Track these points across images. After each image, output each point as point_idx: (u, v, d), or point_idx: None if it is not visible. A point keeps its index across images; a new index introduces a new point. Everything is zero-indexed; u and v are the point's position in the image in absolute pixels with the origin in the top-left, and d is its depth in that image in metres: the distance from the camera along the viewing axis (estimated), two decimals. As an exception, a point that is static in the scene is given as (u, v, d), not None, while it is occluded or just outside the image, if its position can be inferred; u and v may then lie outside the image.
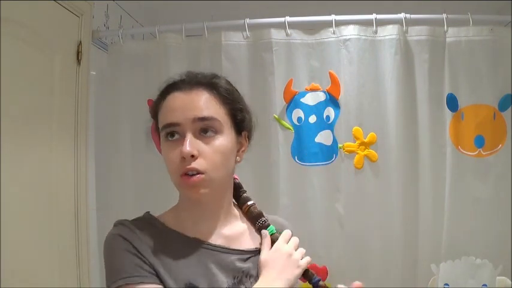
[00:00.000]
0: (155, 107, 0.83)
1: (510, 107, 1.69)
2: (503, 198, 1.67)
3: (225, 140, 0.78)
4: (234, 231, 0.85)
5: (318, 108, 1.73)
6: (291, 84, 1.73)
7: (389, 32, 1.70)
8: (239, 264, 0.79)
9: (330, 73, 1.71)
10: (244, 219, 0.88)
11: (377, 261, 1.69)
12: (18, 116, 1.41)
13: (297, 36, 1.75)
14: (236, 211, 0.89)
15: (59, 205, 1.58)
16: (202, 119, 0.76)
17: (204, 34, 1.77)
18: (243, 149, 0.85)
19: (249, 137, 0.87)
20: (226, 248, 0.80)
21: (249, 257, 0.82)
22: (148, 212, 0.86)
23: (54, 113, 1.59)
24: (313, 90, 1.74)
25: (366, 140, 1.69)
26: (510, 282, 1.64)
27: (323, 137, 1.73)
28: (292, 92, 1.73)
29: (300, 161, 1.73)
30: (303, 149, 1.73)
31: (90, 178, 1.77)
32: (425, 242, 1.69)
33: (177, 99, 0.79)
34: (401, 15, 1.70)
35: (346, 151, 1.70)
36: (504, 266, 1.65)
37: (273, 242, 0.82)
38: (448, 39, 1.70)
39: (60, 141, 1.61)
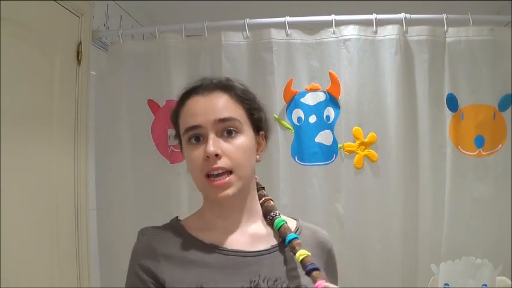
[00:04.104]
0: (175, 114, 0.85)
1: (510, 107, 1.69)
2: (503, 198, 1.67)
3: (245, 138, 0.81)
4: (258, 230, 0.85)
5: (318, 108, 1.73)
6: (291, 84, 1.73)
7: (389, 32, 1.70)
8: (256, 267, 0.79)
9: (330, 73, 1.71)
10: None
11: (377, 261, 1.69)
12: (18, 116, 1.41)
13: (297, 36, 1.75)
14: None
15: (58, 205, 1.58)
16: (223, 120, 0.79)
17: (204, 34, 1.77)
18: (261, 148, 0.87)
19: (266, 137, 0.88)
20: (242, 252, 0.80)
21: (267, 255, 0.82)
22: (177, 217, 0.88)
23: (54, 113, 1.59)
24: (313, 90, 1.74)
25: (366, 140, 1.69)
26: (510, 282, 1.64)
27: (323, 137, 1.73)
28: (292, 92, 1.73)
29: (300, 161, 1.73)
30: (303, 149, 1.73)
31: (90, 178, 1.77)
32: (425, 242, 1.69)
33: (197, 103, 0.81)
34: (401, 15, 1.70)
35: (346, 151, 1.70)
36: (504, 266, 1.65)
37: (281, 233, 0.82)
38: (448, 39, 1.70)
39: (60, 141, 1.61)
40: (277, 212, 0.86)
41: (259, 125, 0.85)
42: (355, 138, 1.70)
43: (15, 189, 1.38)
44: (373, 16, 1.70)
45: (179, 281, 0.76)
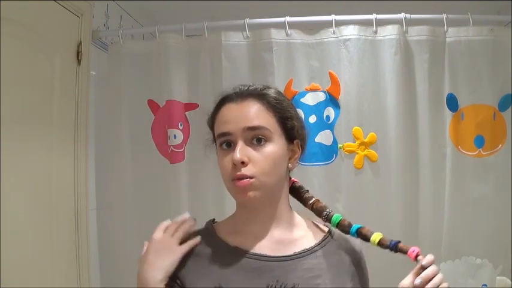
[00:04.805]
0: (212, 119, 0.87)
1: (510, 107, 1.69)
2: (503, 198, 1.67)
3: (274, 147, 0.82)
4: (285, 236, 0.86)
5: (318, 108, 1.73)
6: (291, 84, 1.73)
7: (389, 32, 1.70)
8: (276, 272, 0.80)
9: (329, 73, 1.71)
10: (307, 226, 0.90)
11: (377, 261, 1.68)
12: (18, 115, 1.41)
13: (297, 36, 1.75)
14: (298, 219, 0.91)
15: (58, 205, 1.58)
16: (253, 128, 0.81)
17: (204, 34, 1.77)
18: (295, 156, 0.89)
19: (302, 146, 0.90)
20: (265, 256, 0.82)
21: (289, 261, 0.82)
22: (213, 219, 0.92)
23: (54, 113, 1.59)
24: (313, 90, 1.74)
25: (366, 140, 1.69)
26: (510, 282, 1.64)
27: (323, 137, 1.73)
28: (292, 92, 1.73)
29: (299, 161, 1.73)
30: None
31: (90, 178, 1.77)
32: (425, 242, 1.69)
33: (230, 110, 0.84)
34: (401, 15, 1.70)
35: (346, 151, 1.70)
36: (504, 266, 1.65)
37: (342, 227, 0.87)
38: (448, 39, 1.70)
39: (60, 141, 1.61)
40: (330, 210, 0.89)
41: (292, 133, 0.86)
42: (355, 138, 1.70)
43: (15, 189, 1.38)
44: (373, 16, 1.70)
45: (200, 279, 0.80)
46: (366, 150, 1.70)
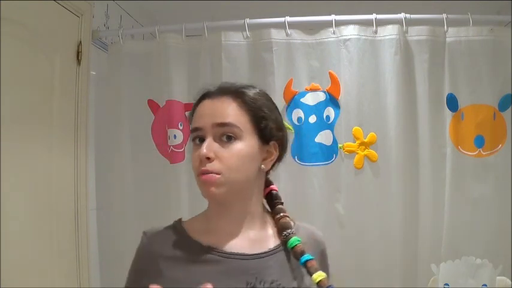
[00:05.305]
0: (191, 114, 0.88)
1: (510, 107, 1.69)
2: (503, 198, 1.66)
3: (243, 145, 0.81)
4: (258, 233, 0.86)
5: (318, 108, 1.73)
6: (291, 84, 1.73)
7: (389, 32, 1.70)
8: (253, 269, 0.80)
9: (329, 73, 1.71)
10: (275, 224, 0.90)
11: (377, 261, 1.69)
12: (18, 115, 1.41)
13: (297, 36, 1.75)
14: (269, 219, 0.90)
15: (58, 205, 1.58)
16: (222, 124, 0.80)
17: (204, 34, 1.77)
18: (272, 158, 0.87)
19: (280, 149, 0.88)
20: (240, 254, 0.81)
21: (265, 258, 0.83)
22: (180, 218, 0.90)
23: (54, 113, 1.59)
24: (313, 90, 1.74)
25: (366, 140, 1.69)
26: (510, 282, 1.64)
27: (323, 137, 1.73)
28: (292, 92, 1.73)
29: (300, 161, 1.73)
30: (303, 149, 1.73)
31: (90, 178, 1.77)
32: (425, 242, 1.69)
33: (205, 106, 0.84)
34: (401, 15, 1.70)
35: (346, 151, 1.70)
36: (504, 266, 1.65)
37: (295, 253, 0.83)
38: (448, 39, 1.70)
39: (60, 141, 1.61)
40: (293, 231, 0.86)
41: (266, 133, 0.84)
42: (355, 138, 1.70)
43: (15, 189, 1.38)
44: (373, 16, 1.70)
45: (177, 282, 0.78)
46: (366, 150, 1.70)
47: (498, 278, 1.65)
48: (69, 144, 1.67)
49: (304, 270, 0.82)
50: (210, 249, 0.81)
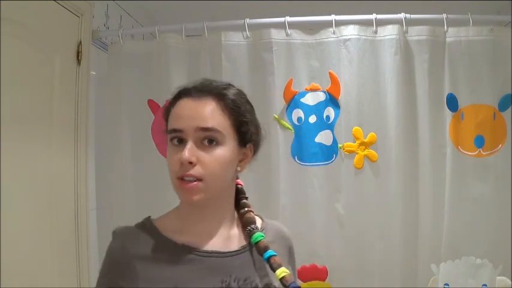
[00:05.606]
0: (167, 110, 0.85)
1: (510, 107, 1.69)
2: (503, 198, 1.66)
3: (225, 150, 0.80)
4: (231, 232, 0.87)
5: (318, 108, 1.73)
6: (291, 84, 1.73)
7: (389, 32, 1.70)
8: (228, 267, 0.81)
9: (329, 73, 1.72)
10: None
11: (377, 261, 1.69)
12: (18, 115, 1.41)
13: (297, 36, 1.75)
14: (236, 216, 0.90)
15: (58, 205, 1.58)
16: (205, 129, 0.78)
17: (204, 34, 1.77)
18: (246, 160, 0.86)
19: (255, 150, 0.88)
20: (215, 252, 0.81)
21: (238, 255, 0.83)
22: (149, 216, 0.88)
23: (54, 112, 1.59)
24: (313, 90, 1.74)
25: (366, 140, 1.69)
26: (510, 282, 1.64)
27: (323, 137, 1.73)
28: (292, 92, 1.73)
29: (300, 161, 1.73)
30: (303, 149, 1.73)
31: (90, 178, 1.77)
32: (425, 242, 1.69)
33: (186, 105, 0.81)
34: (401, 15, 1.70)
35: (346, 151, 1.70)
36: (504, 266, 1.65)
37: (258, 249, 0.83)
38: (448, 39, 1.70)
39: (60, 141, 1.61)
40: (256, 226, 0.86)
41: (245, 137, 0.84)
42: (355, 138, 1.70)
43: (15, 189, 1.38)
44: (373, 16, 1.70)
45: (153, 282, 0.77)
46: (366, 150, 1.70)
47: (498, 278, 1.65)
48: (69, 144, 1.67)
49: (285, 262, 0.83)
50: (184, 248, 0.80)
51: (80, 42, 1.72)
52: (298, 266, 1.71)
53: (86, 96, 1.75)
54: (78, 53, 1.72)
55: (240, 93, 0.86)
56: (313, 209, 1.72)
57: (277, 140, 1.73)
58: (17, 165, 1.40)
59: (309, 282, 1.70)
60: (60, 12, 1.63)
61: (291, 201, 1.72)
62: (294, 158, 1.74)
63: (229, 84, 0.86)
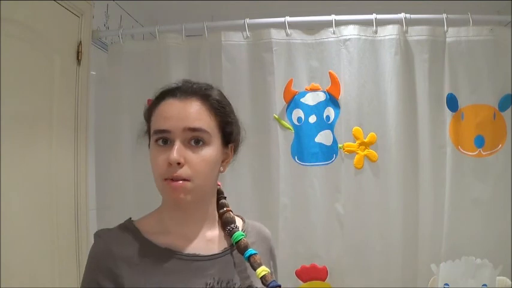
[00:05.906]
0: (150, 111, 0.85)
1: (510, 107, 1.69)
2: (503, 198, 1.66)
3: (212, 151, 0.80)
4: (213, 234, 0.87)
5: (318, 108, 1.73)
6: (291, 84, 1.73)
7: (389, 32, 1.70)
8: (211, 270, 0.81)
9: (329, 73, 1.72)
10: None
11: (377, 261, 1.69)
12: (18, 116, 1.41)
13: (297, 36, 1.75)
14: (217, 217, 0.91)
15: (58, 205, 1.58)
16: (193, 129, 0.79)
17: (204, 34, 1.77)
18: (227, 160, 0.87)
19: (235, 150, 0.89)
20: (198, 256, 0.81)
21: (220, 258, 0.83)
22: (130, 218, 0.87)
23: (54, 112, 1.59)
24: (313, 90, 1.74)
25: (366, 140, 1.69)
26: (510, 282, 1.64)
27: (323, 137, 1.73)
28: (292, 92, 1.73)
29: (300, 161, 1.73)
30: (303, 149, 1.73)
31: (90, 178, 1.77)
32: (425, 242, 1.69)
33: (171, 106, 0.81)
34: (401, 15, 1.70)
35: (346, 151, 1.70)
36: (504, 266, 1.65)
37: (238, 247, 0.83)
38: (448, 39, 1.70)
39: (60, 141, 1.61)
40: (236, 225, 0.87)
41: (229, 138, 0.85)
42: (355, 138, 1.70)
43: (15, 189, 1.38)
44: (373, 16, 1.70)
45: (137, 284, 0.76)
46: (366, 150, 1.70)
47: (498, 278, 1.65)
48: (69, 145, 1.67)
49: (266, 263, 0.83)
50: (167, 252, 0.80)
51: (80, 42, 1.72)
52: (298, 266, 1.72)
53: (86, 96, 1.75)
54: (78, 53, 1.72)
55: (222, 94, 0.87)
56: (313, 209, 1.72)
57: (277, 140, 1.73)
58: (17, 165, 1.40)
59: (309, 282, 1.70)
60: (60, 12, 1.63)
61: (291, 201, 1.72)
62: (294, 158, 1.74)
63: (211, 85, 0.87)
